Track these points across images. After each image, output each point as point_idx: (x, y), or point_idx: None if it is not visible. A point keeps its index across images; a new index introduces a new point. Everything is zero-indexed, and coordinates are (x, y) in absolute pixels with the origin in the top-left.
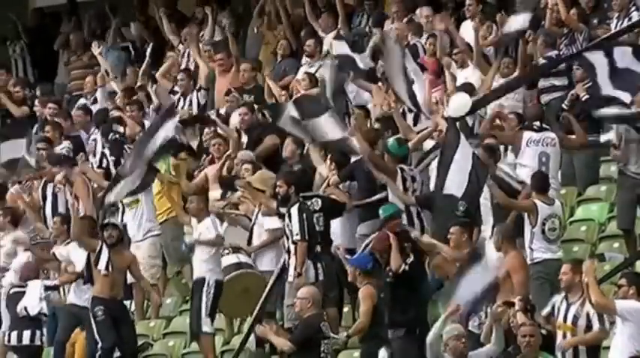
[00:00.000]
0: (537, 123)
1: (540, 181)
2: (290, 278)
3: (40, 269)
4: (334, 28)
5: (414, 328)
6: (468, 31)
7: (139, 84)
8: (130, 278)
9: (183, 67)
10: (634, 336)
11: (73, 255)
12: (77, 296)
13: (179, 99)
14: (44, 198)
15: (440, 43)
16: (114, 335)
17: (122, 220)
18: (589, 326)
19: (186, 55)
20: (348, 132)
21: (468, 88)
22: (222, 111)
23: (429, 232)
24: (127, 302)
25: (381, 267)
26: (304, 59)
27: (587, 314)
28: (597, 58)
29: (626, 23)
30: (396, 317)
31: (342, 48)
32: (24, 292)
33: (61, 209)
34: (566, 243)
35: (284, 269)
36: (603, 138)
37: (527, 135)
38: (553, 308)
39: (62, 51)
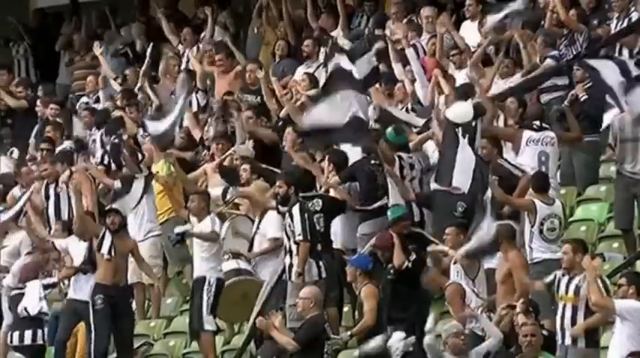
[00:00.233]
0: (537, 122)
1: (540, 181)
2: (292, 278)
3: (40, 271)
4: (334, 29)
5: (413, 325)
6: (467, 31)
7: (139, 85)
8: (130, 279)
9: (183, 67)
10: (633, 336)
11: (72, 248)
12: (77, 291)
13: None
14: (47, 198)
15: (440, 44)
16: (109, 328)
17: None
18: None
19: (185, 55)
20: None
21: (468, 89)
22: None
23: (430, 231)
24: None
25: (382, 266)
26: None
27: None
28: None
29: (626, 23)
30: (397, 314)
31: (341, 60)
32: (24, 293)
33: (65, 208)
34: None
35: (283, 271)
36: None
37: (527, 134)
38: (554, 278)
39: (63, 51)
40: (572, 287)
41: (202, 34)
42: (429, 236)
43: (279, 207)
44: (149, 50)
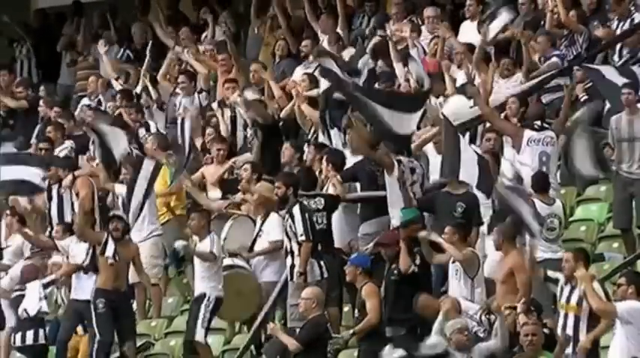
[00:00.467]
0: (538, 122)
1: (540, 181)
2: (295, 279)
3: (40, 273)
4: (334, 30)
5: (415, 327)
6: (467, 31)
7: (140, 85)
8: (131, 279)
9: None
10: (634, 337)
11: (73, 248)
12: (78, 291)
13: (180, 102)
14: (49, 199)
15: (442, 45)
16: (112, 330)
17: None
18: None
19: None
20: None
21: (468, 89)
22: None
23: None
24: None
25: (384, 265)
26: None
27: None
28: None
29: (627, 24)
30: (398, 315)
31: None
32: (24, 295)
33: (67, 210)
34: (565, 242)
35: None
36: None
37: (528, 134)
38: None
39: (65, 52)
40: (574, 297)
41: (204, 34)
42: (439, 238)
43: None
44: (148, 49)
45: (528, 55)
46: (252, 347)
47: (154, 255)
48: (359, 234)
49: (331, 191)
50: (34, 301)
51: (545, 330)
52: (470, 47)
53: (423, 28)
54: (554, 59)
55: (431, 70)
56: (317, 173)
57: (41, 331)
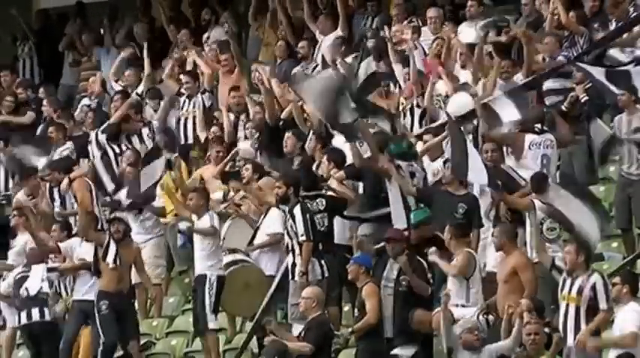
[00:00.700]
0: (539, 125)
1: (540, 181)
2: (296, 278)
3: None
4: (333, 31)
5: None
6: (467, 31)
7: (141, 88)
8: (133, 279)
9: (188, 68)
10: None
11: (77, 248)
12: (82, 292)
13: (184, 102)
14: (52, 201)
15: (447, 45)
16: (116, 331)
17: None
18: (593, 298)
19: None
20: None
21: (468, 88)
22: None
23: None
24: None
25: (383, 265)
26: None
27: (594, 286)
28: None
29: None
30: (404, 328)
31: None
32: (28, 276)
33: (70, 209)
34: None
35: (286, 274)
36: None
37: (529, 137)
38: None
39: (67, 52)
40: (574, 288)
41: (205, 35)
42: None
43: (279, 208)
44: (145, 50)
45: (530, 55)
46: (252, 347)
47: (156, 255)
48: (358, 234)
49: (334, 185)
50: (36, 281)
51: (547, 330)
52: (471, 47)
53: (424, 29)
54: (560, 58)
55: (431, 70)
56: (316, 165)
57: (46, 309)
